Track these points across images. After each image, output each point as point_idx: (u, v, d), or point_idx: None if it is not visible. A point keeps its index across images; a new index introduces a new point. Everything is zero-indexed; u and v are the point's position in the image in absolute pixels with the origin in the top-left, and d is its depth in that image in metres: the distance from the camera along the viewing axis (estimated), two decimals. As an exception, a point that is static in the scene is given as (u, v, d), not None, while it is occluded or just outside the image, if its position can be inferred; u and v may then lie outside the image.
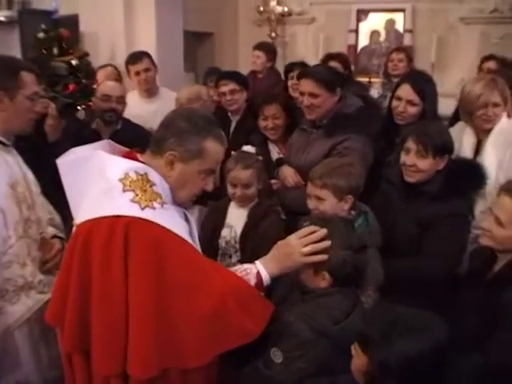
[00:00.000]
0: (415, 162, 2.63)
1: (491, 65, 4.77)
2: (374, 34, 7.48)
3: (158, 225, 1.70)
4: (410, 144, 2.65)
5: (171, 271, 1.68)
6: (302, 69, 3.86)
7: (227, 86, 3.94)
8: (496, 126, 2.93)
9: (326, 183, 2.41)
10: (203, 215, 3.25)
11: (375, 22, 7.47)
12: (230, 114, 4.00)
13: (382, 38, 7.46)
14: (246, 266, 1.91)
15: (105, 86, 3.85)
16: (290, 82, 4.48)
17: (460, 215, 2.62)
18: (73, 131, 3.45)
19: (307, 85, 3.07)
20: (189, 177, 1.84)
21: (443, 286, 2.56)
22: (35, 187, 2.45)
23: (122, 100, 3.73)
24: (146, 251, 1.66)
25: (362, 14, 7.45)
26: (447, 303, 2.35)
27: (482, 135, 3.00)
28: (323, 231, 1.86)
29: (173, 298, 1.67)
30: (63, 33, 5.60)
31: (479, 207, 2.86)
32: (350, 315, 1.86)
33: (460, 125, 3.16)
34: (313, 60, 7.51)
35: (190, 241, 1.83)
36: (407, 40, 7.12)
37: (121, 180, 1.73)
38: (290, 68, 4.61)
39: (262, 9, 7.86)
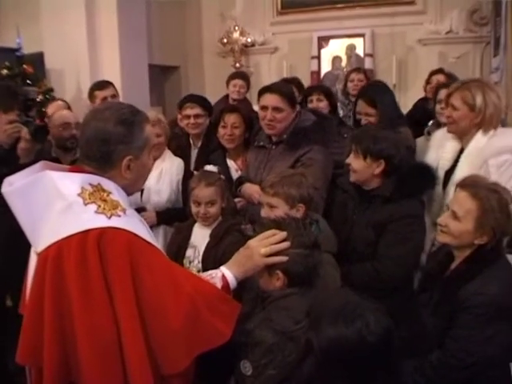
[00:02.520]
0: (351, 162, 2.72)
1: (440, 77, 4.93)
2: (336, 59, 7.67)
3: (128, 231, 1.67)
4: (352, 145, 2.74)
5: (144, 278, 1.63)
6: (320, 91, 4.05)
7: (193, 110, 3.89)
8: (472, 142, 2.86)
9: (277, 191, 2.43)
10: (168, 236, 3.25)
11: (336, 47, 7.66)
12: (191, 138, 3.98)
13: (344, 62, 7.64)
14: (210, 271, 1.90)
15: (61, 115, 3.82)
16: (310, 106, 4.29)
17: (414, 216, 2.65)
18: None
19: (272, 99, 3.13)
20: (145, 167, 1.87)
21: (402, 289, 2.60)
22: None
23: (78, 126, 3.75)
24: (122, 260, 1.62)
25: (322, 41, 7.65)
26: (406, 307, 2.38)
27: (463, 143, 2.94)
28: (282, 234, 1.89)
29: (148, 304, 1.63)
30: (27, 69, 5.69)
31: None
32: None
33: (445, 129, 3.12)
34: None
35: (155, 243, 1.81)
36: (368, 63, 7.30)
37: (79, 194, 1.68)
38: (309, 92, 4.45)
39: (225, 40, 8.02)
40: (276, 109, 3.11)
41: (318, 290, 1.97)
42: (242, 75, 5.84)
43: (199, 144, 3.94)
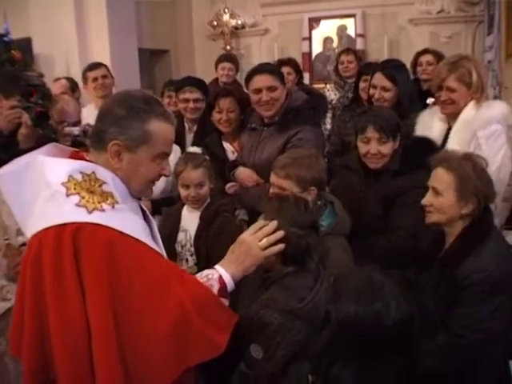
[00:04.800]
0: (379, 149, 2.70)
1: (429, 58, 4.88)
2: (327, 40, 7.62)
3: (109, 228, 1.55)
4: (371, 133, 2.70)
5: (127, 280, 1.52)
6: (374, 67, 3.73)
7: (192, 94, 3.79)
8: (461, 115, 2.88)
9: (288, 173, 2.40)
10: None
11: (327, 28, 7.61)
12: (186, 121, 3.89)
13: (335, 43, 7.59)
14: (206, 271, 1.75)
15: (61, 111, 3.73)
16: (362, 85, 4.18)
17: (423, 186, 2.61)
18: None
19: (264, 80, 3.09)
20: (141, 165, 1.67)
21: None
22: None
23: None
24: (99, 259, 1.50)
25: (313, 22, 7.59)
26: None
27: (451, 121, 2.97)
28: (273, 223, 1.82)
29: (130, 310, 1.52)
30: (15, 55, 5.61)
31: None
32: (313, 290, 1.88)
33: (432, 109, 3.16)
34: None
35: (148, 241, 1.67)
36: (359, 44, 7.26)
37: (64, 184, 1.56)
38: (364, 71, 4.25)
39: (215, 23, 7.95)
40: (270, 88, 3.08)
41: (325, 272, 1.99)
42: (229, 58, 5.82)
43: (194, 128, 3.87)
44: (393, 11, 7.29)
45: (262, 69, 3.19)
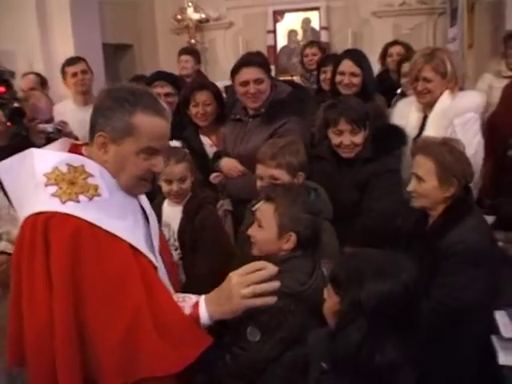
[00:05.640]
0: (351, 140, 2.80)
1: (398, 49, 5.02)
2: (292, 33, 7.66)
3: (79, 218, 1.52)
4: (343, 126, 2.80)
5: (88, 274, 1.49)
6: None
7: (163, 88, 3.81)
8: (437, 105, 3.00)
9: (279, 162, 2.46)
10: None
11: (291, 21, 7.65)
12: None
13: (300, 36, 7.65)
14: (188, 294, 1.66)
15: (34, 108, 3.67)
16: (322, 76, 4.33)
17: (394, 170, 2.85)
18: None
19: (252, 72, 3.12)
20: (126, 159, 1.63)
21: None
22: None
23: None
24: (63, 250, 1.49)
25: (278, 15, 7.62)
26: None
27: (427, 110, 3.08)
28: (271, 269, 1.54)
29: (85, 305, 1.48)
30: (-23, 51, 5.46)
31: None
32: (313, 275, 1.91)
33: (409, 99, 3.29)
34: (233, 63, 7.63)
35: (128, 237, 1.60)
36: (324, 37, 7.33)
37: (46, 174, 1.58)
38: (323, 63, 4.46)
39: (179, 17, 7.88)
40: (257, 80, 3.11)
41: (319, 255, 2.01)
42: (187, 50, 5.88)
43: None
44: (356, 4, 7.39)
45: (249, 61, 3.22)
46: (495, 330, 2.27)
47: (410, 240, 2.45)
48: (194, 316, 1.56)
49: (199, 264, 2.67)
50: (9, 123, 3.27)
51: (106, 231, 1.55)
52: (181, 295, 1.64)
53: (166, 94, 3.80)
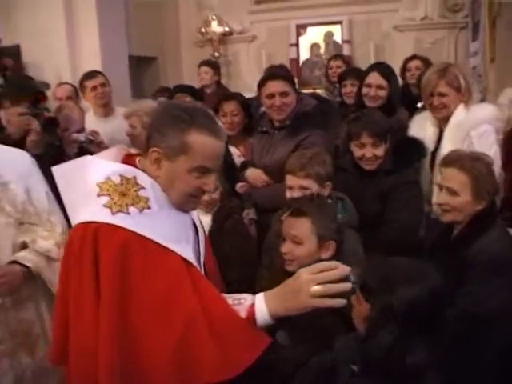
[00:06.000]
0: (373, 153, 2.88)
1: (417, 63, 5.09)
2: (314, 46, 7.76)
3: (129, 230, 1.53)
4: (365, 139, 2.88)
5: (137, 286, 1.49)
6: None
7: (185, 100, 3.92)
8: (452, 118, 3.08)
9: (309, 173, 2.56)
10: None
11: (314, 35, 7.76)
12: None
13: (322, 50, 7.75)
14: (244, 295, 1.61)
15: (66, 117, 3.77)
16: (343, 90, 4.46)
17: (413, 182, 2.94)
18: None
19: (277, 86, 3.20)
20: (178, 176, 1.62)
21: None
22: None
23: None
24: (112, 262, 1.49)
25: (300, 29, 7.73)
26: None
27: (442, 124, 3.16)
28: (343, 269, 1.47)
29: (137, 320, 1.48)
30: (7, 62, 5.61)
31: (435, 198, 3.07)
32: None
33: (423, 114, 3.36)
34: (256, 76, 7.76)
35: (180, 250, 1.60)
36: (346, 50, 7.41)
37: (99, 184, 1.59)
38: (344, 77, 4.59)
39: (203, 30, 8.03)
40: (283, 93, 3.18)
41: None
42: (206, 62, 6.10)
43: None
44: (378, 18, 7.48)
45: (275, 74, 3.33)
46: None
47: (433, 251, 2.50)
48: (250, 317, 1.53)
49: (227, 272, 2.74)
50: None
51: (156, 243, 1.55)
52: (236, 296, 1.60)
53: None
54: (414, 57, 5.31)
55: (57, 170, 1.72)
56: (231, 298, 1.58)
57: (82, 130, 3.71)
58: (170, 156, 1.60)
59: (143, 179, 1.62)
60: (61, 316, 1.61)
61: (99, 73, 4.64)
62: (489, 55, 5.70)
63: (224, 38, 8.06)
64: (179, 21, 8.38)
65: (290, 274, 2.06)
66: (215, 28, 7.96)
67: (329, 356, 1.86)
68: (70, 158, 3.41)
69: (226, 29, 7.99)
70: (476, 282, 2.24)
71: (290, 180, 2.62)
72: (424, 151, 3.07)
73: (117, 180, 1.60)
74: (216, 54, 7.94)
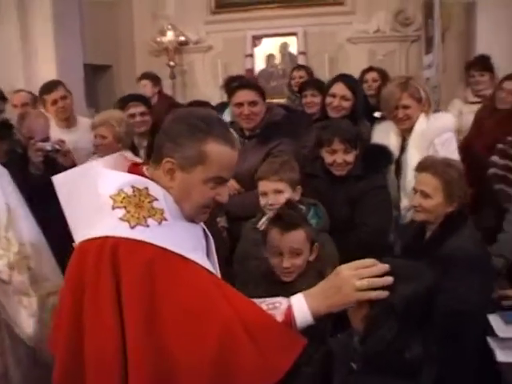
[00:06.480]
0: (344, 159, 2.99)
1: (374, 75, 5.27)
2: (270, 57, 7.85)
3: (152, 245, 1.47)
4: (337, 145, 2.99)
5: (166, 301, 1.43)
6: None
7: (137, 108, 4.00)
8: (415, 127, 3.24)
9: (282, 177, 2.66)
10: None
11: (270, 46, 7.85)
12: (135, 138, 3.87)
13: (278, 60, 7.85)
14: (278, 298, 1.60)
15: (29, 127, 3.71)
16: (304, 100, 4.51)
17: (382, 187, 3.08)
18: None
19: (247, 95, 3.29)
20: (193, 187, 1.57)
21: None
22: None
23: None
24: (139, 277, 1.43)
25: (256, 40, 7.81)
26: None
27: (404, 134, 3.33)
28: (385, 266, 1.54)
29: (169, 335, 1.42)
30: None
31: (403, 204, 3.23)
32: None
33: (384, 125, 3.51)
34: (212, 86, 7.83)
35: (200, 260, 1.57)
36: (301, 61, 7.47)
37: (112, 196, 1.52)
38: (303, 88, 4.65)
39: (158, 39, 8.00)
40: (252, 103, 3.26)
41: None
42: (144, 75, 6.03)
43: (145, 143, 3.94)
44: (332, 30, 7.64)
45: (244, 84, 3.40)
46: (490, 332, 2.44)
47: (406, 253, 2.63)
48: (287, 321, 1.52)
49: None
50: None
51: (178, 255, 1.50)
52: (270, 301, 1.58)
53: (141, 113, 3.98)
54: (370, 69, 5.48)
55: (58, 179, 1.66)
56: (265, 303, 1.57)
57: (46, 138, 3.65)
58: (186, 167, 1.55)
59: (155, 190, 1.56)
60: (69, 333, 1.52)
61: (59, 83, 4.51)
62: (441, 67, 5.95)
63: (180, 47, 8.05)
64: (134, 29, 8.32)
65: (282, 282, 2.16)
66: (171, 37, 7.94)
67: (324, 349, 1.93)
68: (35, 167, 3.41)
69: (182, 38, 7.98)
70: (454, 280, 2.33)
71: (264, 186, 2.70)
72: (391, 158, 3.21)
73: (129, 191, 1.53)
74: (171, 64, 7.94)
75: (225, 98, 6.61)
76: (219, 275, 1.67)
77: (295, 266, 2.25)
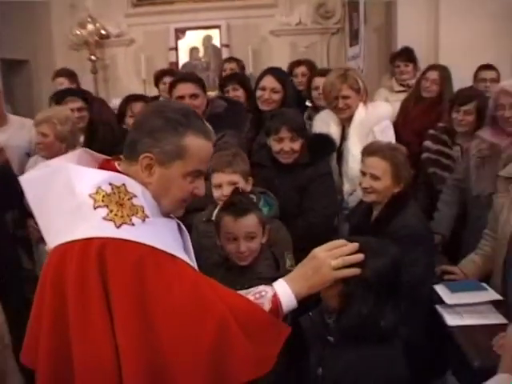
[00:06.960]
0: (291, 147, 3.09)
1: (303, 69, 5.32)
2: (194, 50, 7.83)
3: (140, 243, 1.43)
4: (284, 134, 3.08)
5: (158, 300, 1.40)
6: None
7: (75, 103, 3.91)
8: (355, 116, 3.42)
9: (235, 169, 2.71)
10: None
11: (193, 39, 7.82)
12: None
13: (201, 53, 7.84)
14: (261, 287, 1.62)
15: None
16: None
17: (327, 173, 3.23)
18: None
19: (188, 88, 3.32)
20: (172, 182, 1.55)
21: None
22: None
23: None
24: (129, 278, 1.39)
25: (179, 33, 7.76)
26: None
27: (344, 123, 3.50)
28: (355, 245, 1.66)
29: (163, 330, 1.39)
30: None
31: (346, 189, 3.44)
32: None
33: (322, 115, 3.67)
34: (135, 80, 7.72)
35: (183, 256, 1.54)
36: (225, 54, 7.54)
37: (91, 195, 1.45)
38: (224, 83, 4.55)
39: (78, 32, 7.76)
40: (193, 96, 3.29)
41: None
42: (58, 73, 5.71)
43: (81, 139, 3.86)
44: (255, 23, 7.72)
45: (185, 77, 3.41)
46: (437, 301, 2.65)
47: (355, 232, 2.80)
48: (275, 308, 1.56)
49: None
50: None
51: (164, 252, 1.47)
52: (255, 291, 1.61)
53: (79, 109, 3.90)
54: (299, 62, 5.50)
55: (25, 179, 1.59)
56: (251, 294, 1.59)
57: None
58: (165, 162, 1.53)
59: (133, 186, 1.52)
60: (52, 342, 1.45)
61: None
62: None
63: (101, 41, 7.85)
64: (51, 22, 8.03)
65: (239, 266, 2.23)
66: (91, 30, 7.71)
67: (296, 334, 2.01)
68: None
69: (103, 32, 7.79)
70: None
71: (218, 178, 2.73)
72: (334, 146, 3.37)
73: (108, 189, 1.47)
74: (93, 58, 7.74)
75: (149, 92, 6.62)
76: (197, 269, 1.65)
77: (251, 249, 2.34)
